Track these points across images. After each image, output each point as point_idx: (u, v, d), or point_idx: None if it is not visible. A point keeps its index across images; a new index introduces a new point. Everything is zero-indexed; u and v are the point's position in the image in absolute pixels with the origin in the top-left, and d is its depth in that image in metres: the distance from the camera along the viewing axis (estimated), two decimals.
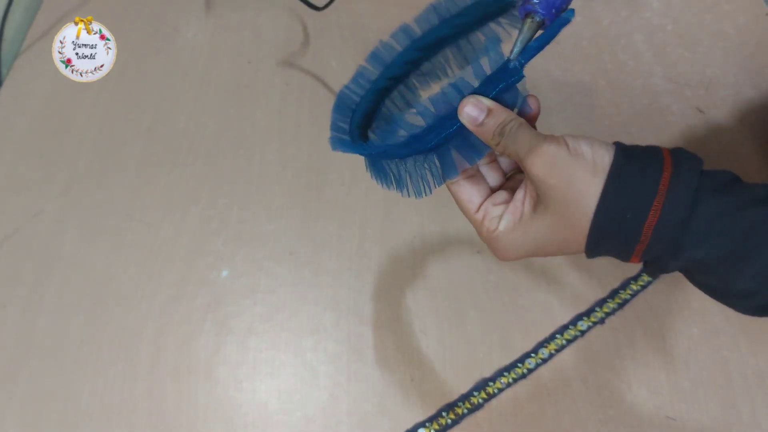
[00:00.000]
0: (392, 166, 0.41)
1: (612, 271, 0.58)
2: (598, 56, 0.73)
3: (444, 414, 0.52)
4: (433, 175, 0.39)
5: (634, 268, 0.58)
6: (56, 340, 0.57)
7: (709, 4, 0.77)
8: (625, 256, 0.36)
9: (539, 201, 0.37)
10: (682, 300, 0.57)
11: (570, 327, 0.55)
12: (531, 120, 0.40)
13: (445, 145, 0.38)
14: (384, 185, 0.43)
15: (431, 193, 0.40)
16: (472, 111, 0.36)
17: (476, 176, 0.41)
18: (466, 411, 0.52)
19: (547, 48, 0.41)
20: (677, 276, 0.57)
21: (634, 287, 0.57)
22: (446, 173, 0.39)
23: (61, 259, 0.61)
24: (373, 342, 0.56)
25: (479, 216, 0.40)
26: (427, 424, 0.52)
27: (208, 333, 0.57)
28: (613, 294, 0.57)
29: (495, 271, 0.59)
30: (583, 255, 0.37)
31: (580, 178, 0.35)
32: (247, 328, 0.57)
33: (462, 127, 0.37)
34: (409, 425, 0.52)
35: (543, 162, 0.35)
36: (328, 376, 0.55)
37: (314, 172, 0.67)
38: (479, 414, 0.52)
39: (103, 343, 0.57)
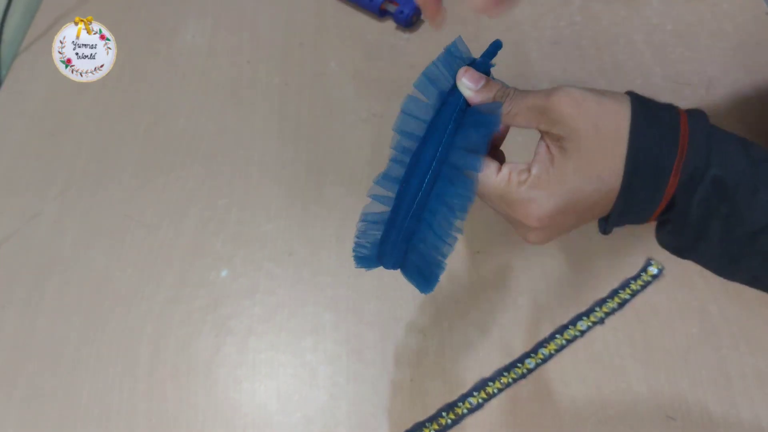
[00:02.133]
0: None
1: (612, 271, 0.58)
2: (598, 56, 0.73)
3: (444, 414, 0.52)
4: (458, 184, 0.37)
5: (633, 267, 0.58)
6: (55, 341, 0.57)
7: (709, 4, 0.77)
8: (663, 178, 0.34)
9: (568, 141, 0.35)
10: (681, 300, 0.57)
11: (570, 327, 0.55)
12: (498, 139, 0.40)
13: (452, 152, 0.37)
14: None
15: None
16: (471, 78, 0.36)
17: None
18: (466, 411, 0.52)
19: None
20: (677, 276, 0.58)
21: (634, 287, 0.57)
22: (472, 165, 0.36)
23: (60, 261, 0.61)
24: (372, 342, 0.56)
25: (503, 175, 0.36)
26: (427, 425, 0.52)
27: (207, 334, 0.57)
28: (613, 294, 0.57)
29: (495, 271, 0.59)
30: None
31: (608, 108, 0.34)
32: (247, 328, 0.57)
33: (458, 119, 0.37)
34: (409, 425, 0.52)
35: (570, 98, 0.34)
36: (328, 376, 0.55)
37: (313, 172, 0.66)
38: (479, 414, 0.52)
39: (103, 344, 0.57)
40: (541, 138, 0.37)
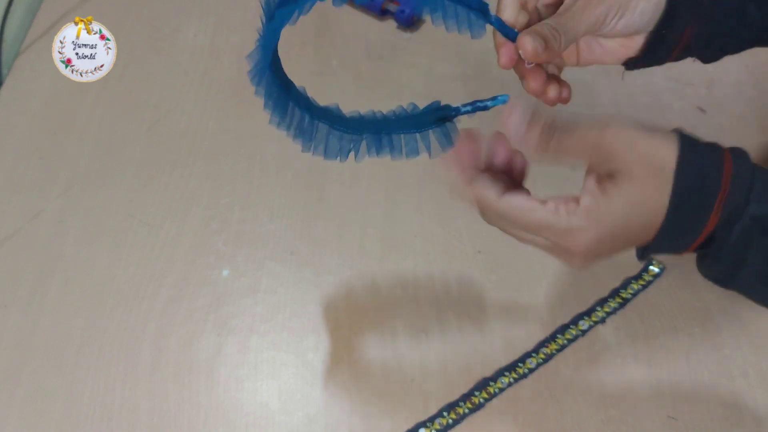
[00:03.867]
0: None
1: (613, 270, 0.58)
2: None
3: (445, 414, 0.52)
4: None
5: (634, 266, 0.58)
6: (57, 340, 0.57)
7: None
8: (705, 215, 0.35)
9: (620, 176, 0.35)
10: (683, 299, 0.56)
11: (571, 326, 0.55)
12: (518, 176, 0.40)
13: None
14: None
15: None
16: (517, 118, 0.37)
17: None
18: (467, 411, 0.52)
19: None
20: (679, 275, 0.58)
21: (635, 286, 0.57)
22: None
23: (62, 260, 0.61)
24: (374, 341, 0.56)
25: (550, 206, 0.36)
26: (428, 424, 0.52)
27: (209, 333, 0.57)
28: (614, 293, 0.57)
29: (495, 271, 0.59)
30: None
31: (658, 146, 0.35)
32: (249, 328, 0.57)
33: None
34: (410, 425, 0.52)
35: (624, 137, 0.35)
36: (330, 375, 0.55)
37: (315, 171, 0.66)
38: (480, 414, 0.52)
39: (104, 343, 0.57)
40: (589, 171, 0.38)
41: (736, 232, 0.35)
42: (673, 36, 0.44)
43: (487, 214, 0.39)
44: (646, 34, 0.44)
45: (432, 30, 0.78)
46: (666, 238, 0.36)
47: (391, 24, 0.79)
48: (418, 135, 0.44)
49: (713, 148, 0.36)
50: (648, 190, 0.35)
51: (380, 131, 0.44)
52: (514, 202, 0.37)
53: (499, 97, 0.40)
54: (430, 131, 0.43)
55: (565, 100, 0.45)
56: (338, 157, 0.43)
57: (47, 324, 0.58)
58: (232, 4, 0.82)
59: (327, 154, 0.43)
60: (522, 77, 0.45)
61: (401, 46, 0.77)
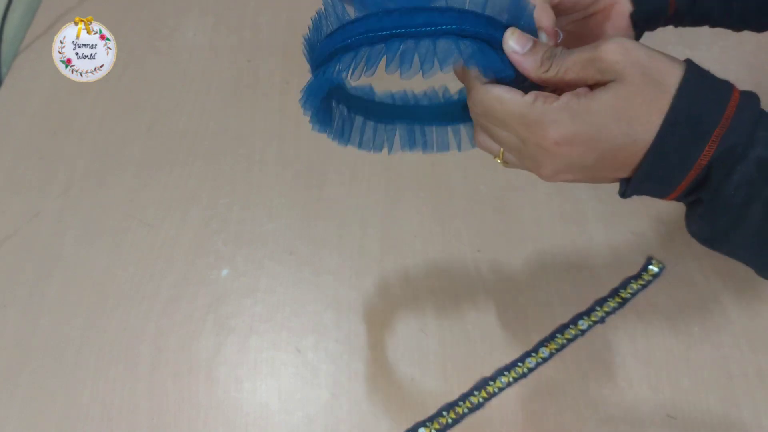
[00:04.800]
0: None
1: (612, 269, 0.58)
2: None
3: (444, 413, 0.52)
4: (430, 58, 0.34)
5: (634, 266, 0.58)
6: (57, 340, 0.57)
7: None
8: (700, 142, 0.33)
9: (613, 82, 0.34)
10: (682, 299, 0.57)
11: (570, 326, 0.55)
12: None
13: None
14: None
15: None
16: (518, 40, 0.35)
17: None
18: (466, 410, 0.52)
19: None
20: (678, 274, 0.58)
21: (635, 286, 0.57)
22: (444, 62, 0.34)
23: (61, 260, 0.62)
24: (373, 341, 0.56)
25: (528, 98, 0.35)
26: (427, 424, 0.52)
27: (208, 333, 0.57)
28: (614, 293, 0.57)
29: (495, 270, 0.59)
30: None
31: (659, 60, 0.34)
32: (248, 327, 0.57)
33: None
34: (410, 424, 0.52)
35: (620, 46, 0.34)
36: (329, 375, 0.55)
37: (314, 171, 0.66)
38: (480, 413, 0.52)
39: (104, 343, 0.57)
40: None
41: (738, 177, 0.33)
42: None
43: (471, 100, 0.37)
44: None
45: None
46: (654, 165, 0.34)
47: None
48: (449, 128, 0.42)
49: (723, 81, 0.34)
50: (637, 98, 0.33)
51: (413, 121, 0.42)
52: (493, 91, 0.35)
53: None
54: (462, 126, 0.41)
55: None
56: (372, 149, 0.42)
57: (47, 324, 0.58)
58: (231, 4, 0.82)
59: (362, 145, 0.42)
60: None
61: None
